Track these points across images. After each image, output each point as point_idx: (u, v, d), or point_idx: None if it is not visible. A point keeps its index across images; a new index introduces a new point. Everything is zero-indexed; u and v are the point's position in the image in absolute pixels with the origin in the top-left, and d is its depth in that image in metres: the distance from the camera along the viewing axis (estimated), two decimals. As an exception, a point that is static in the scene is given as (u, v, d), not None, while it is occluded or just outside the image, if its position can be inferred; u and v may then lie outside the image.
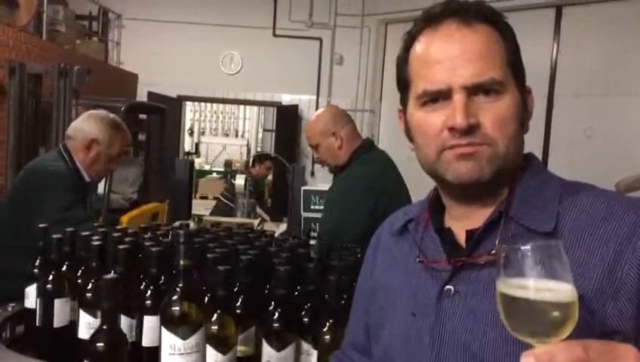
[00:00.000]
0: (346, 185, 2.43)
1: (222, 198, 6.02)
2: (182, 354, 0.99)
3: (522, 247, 0.63)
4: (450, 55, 0.86)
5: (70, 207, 2.24)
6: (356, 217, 2.25)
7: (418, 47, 0.91)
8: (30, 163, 2.57)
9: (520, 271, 0.62)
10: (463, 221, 0.93)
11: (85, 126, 2.47)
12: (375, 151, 2.58)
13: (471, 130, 0.84)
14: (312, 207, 4.02)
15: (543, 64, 5.75)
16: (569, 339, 0.60)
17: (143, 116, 6.13)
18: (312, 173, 7.86)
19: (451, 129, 0.85)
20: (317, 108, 7.77)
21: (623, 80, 5.33)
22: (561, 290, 0.61)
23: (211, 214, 5.60)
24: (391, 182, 2.46)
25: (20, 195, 2.36)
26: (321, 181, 7.36)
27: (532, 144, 0.96)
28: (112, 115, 2.58)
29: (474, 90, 0.85)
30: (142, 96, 7.28)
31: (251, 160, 6.80)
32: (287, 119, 7.86)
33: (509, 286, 0.63)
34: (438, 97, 0.88)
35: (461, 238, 0.91)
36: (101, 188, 4.09)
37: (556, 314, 0.60)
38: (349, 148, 2.48)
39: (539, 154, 0.98)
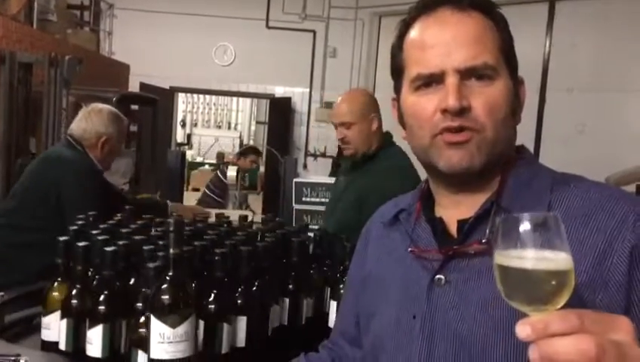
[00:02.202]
0: (383, 174, 2.40)
1: (207, 191, 5.97)
2: (171, 342, 0.99)
3: (520, 217, 0.63)
4: (444, 39, 0.87)
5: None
6: None
7: (412, 33, 0.92)
8: (56, 157, 2.64)
9: (517, 240, 0.62)
10: (452, 210, 0.93)
11: (94, 126, 2.62)
12: (396, 145, 2.58)
13: (463, 112, 0.84)
14: (304, 199, 4.03)
15: (535, 59, 5.76)
16: (565, 308, 0.60)
17: (134, 107, 6.08)
18: (305, 166, 7.85)
19: (444, 111, 0.85)
20: (310, 101, 7.79)
21: (615, 75, 5.36)
22: (557, 259, 0.61)
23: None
24: (416, 173, 2.47)
25: (52, 188, 2.43)
26: (313, 173, 7.36)
27: (524, 138, 0.96)
28: (111, 108, 2.75)
29: (467, 74, 0.86)
30: (134, 87, 7.23)
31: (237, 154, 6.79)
32: (280, 111, 7.85)
33: (506, 255, 0.63)
34: (431, 81, 0.88)
35: (452, 228, 0.91)
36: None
37: (552, 282, 0.60)
38: (379, 138, 2.46)
39: (530, 149, 0.99)
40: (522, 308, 0.62)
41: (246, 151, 6.58)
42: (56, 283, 1.30)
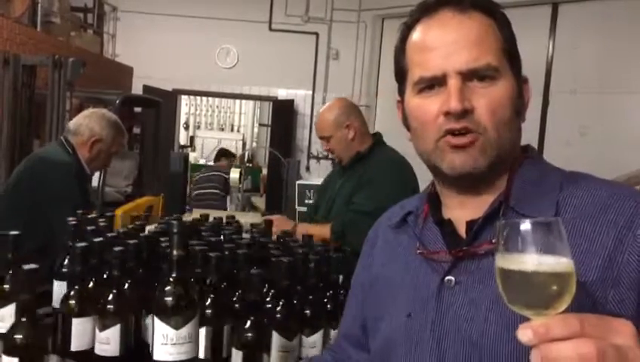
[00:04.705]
0: (386, 167, 2.46)
1: (212, 190, 5.98)
2: (174, 344, 0.98)
3: (522, 222, 0.63)
4: (446, 41, 0.87)
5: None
6: (405, 196, 2.18)
7: (414, 35, 0.92)
8: (36, 154, 2.61)
9: (519, 245, 0.63)
10: (460, 211, 0.92)
11: (90, 124, 2.59)
12: (387, 145, 2.64)
13: (465, 113, 0.84)
14: (306, 201, 4.03)
15: (538, 61, 5.75)
16: (566, 312, 0.60)
17: (138, 109, 6.10)
18: (307, 168, 7.85)
19: (446, 113, 0.85)
20: (313, 104, 7.79)
21: (618, 77, 5.34)
22: (558, 263, 0.61)
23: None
24: (410, 167, 2.50)
25: (26, 185, 2.42)
26: (316, 176, 7.36)
27: (527, 140, 0.96)
28: (113, 115, 2.73)
29: (469, 76, 0.86)
30: (137, 90, 7.24)
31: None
32: (283, 114, 7.85)
33: (508, 259, 0.63)
34: (433, 84, 0.88)
35: (461, 229, 0.91)
36: (95, 181, 4.08)
37: (554, 286, 0.61)
38: (362, 140, 2.53)
39: (533, 152, 0.99)
40: (523, 312, 0.62)
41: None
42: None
